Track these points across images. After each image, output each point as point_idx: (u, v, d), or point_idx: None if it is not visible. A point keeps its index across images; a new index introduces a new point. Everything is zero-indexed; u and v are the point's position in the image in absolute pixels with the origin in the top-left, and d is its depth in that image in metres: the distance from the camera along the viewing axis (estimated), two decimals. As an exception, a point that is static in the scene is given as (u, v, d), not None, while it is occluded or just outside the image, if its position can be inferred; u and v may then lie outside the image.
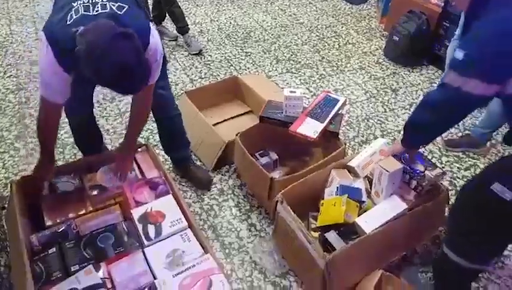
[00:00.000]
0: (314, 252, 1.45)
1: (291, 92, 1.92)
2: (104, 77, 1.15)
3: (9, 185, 1.65)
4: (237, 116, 2.44)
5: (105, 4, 1.30)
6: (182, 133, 1.98)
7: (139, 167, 1.72)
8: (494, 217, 1.22)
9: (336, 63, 3.12)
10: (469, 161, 2.27)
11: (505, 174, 1.18)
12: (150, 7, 2.99)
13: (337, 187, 1.68)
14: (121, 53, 1.12)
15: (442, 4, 2.90)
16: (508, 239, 1.36)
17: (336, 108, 1.97)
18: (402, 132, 1.48)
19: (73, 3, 1.30)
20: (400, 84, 2.90)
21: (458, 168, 2.23)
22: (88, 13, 1.27)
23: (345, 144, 1.93)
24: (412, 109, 2.65)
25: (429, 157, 2.28)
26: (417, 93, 2.79)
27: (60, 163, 2.09)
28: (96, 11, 1.28)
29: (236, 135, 1.93)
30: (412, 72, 3.02)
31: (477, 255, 1.33)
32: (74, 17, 1.26)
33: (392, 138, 2.43)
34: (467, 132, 2.44)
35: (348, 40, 3.43)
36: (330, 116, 1.92)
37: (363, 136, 2.44)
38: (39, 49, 1.36)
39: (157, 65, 1.43)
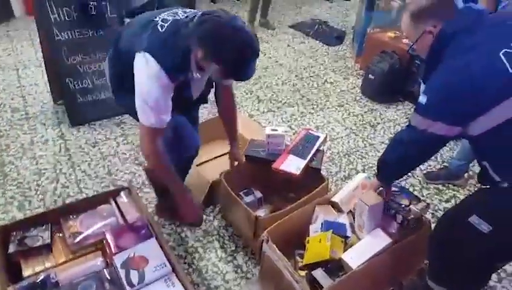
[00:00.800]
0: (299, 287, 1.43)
1: (272, 130, 1.96)
2: (242, 54, 1.22)
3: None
4: (221, 155, 2.45)
5: (185, 11, 1.41)
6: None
7: (120, 211, 1.70)
8: (472, 250, 1.24)
9: (316, 101, 3.22)
10: (449, 192, 2.32)
11: (482, 207, 1.22)
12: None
13: (322, 223, 1.69)
14: (245, 32, 1.22)
15: (412, 44, 3.07)
16: (489, 269, 1.38)
17: (317, 144, 2.02)
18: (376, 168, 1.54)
19: (154, 19, 1.38)
20: (377, 120, 2.99)
21: (439, 200, 2.27)
22: (177, 17, 1.36)
23: (328, 180, 1.96)
24: (391, 143, 2.73)
25: (410, 190, 2.32)
26: (395, 128, 2.88)
27: (40, 210, 2.04)
28: (184, 16, 1.37)
29: (220, 174, 1.94)
30: (389, 108, 3.14)
31: (460, 286, 1.34)
32: (165, 25, 1.33)
33: (374, 172, 2.47)
34: (445, 164, 2.51)
35: (326, 80, 3.56)
36: (312, 152, 1.96)
37: (345, 171, 2.48)
38: (139, 74, 1.35)
39: None
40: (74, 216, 1.69)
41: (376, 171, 1.54)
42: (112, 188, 2.19)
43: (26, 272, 1.48)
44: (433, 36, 1.20)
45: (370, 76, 3.17)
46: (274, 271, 1.56)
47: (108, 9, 2.66)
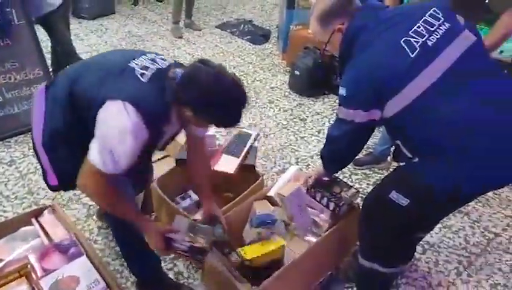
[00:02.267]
0: (242, 286, 1.44)
1: (203, 131, 1.94)
2: (233, 108, 1.20)
3: None
4: (153, 162, 2.37)
5: (162, 57, 1.32)
6: None
7: (44, 231, 1.57)
8: (394, 222, 1.35)
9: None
10: (375, 176, 2.49)
11: (399, 183, 1.33)
12: (48, 62, 2.86)
13: (251, 219, 1.70)
14: (235, 86, 1.19)
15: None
16: (412, 241, 1.50)
17: (250, 142, 2.05)
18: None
19: (129, 65, 1.24)
20: (306, 114, 3.11)
21: (367, 184, 2.42)
22: (158, 66, 1.26)
23: (262, 175, 1.99)
24: (320, 135, 2.85)
25: (341, 177, 2.45)
26: (323, 120, 3.02)
27: None
28: (164, 64, 1.28)
29: (153, 181, 1.88)
30: (316, 101, 3.28)
31: (389, 259, 1.45)
32: (147, 74, 1.23)
33: (306, 163, 2.57)
34: (370, 150, 2.68)
35: (255, 78, 3.62)
36: (245, 150, 1.99)
37: (279, 166, 2.54)
38: (111, 123, 1.18)
39: None
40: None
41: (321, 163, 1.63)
42: (34, 207, 2.02)
43: None
44: (341, 34, 1.30)
45: (296, 72, 3.28)
46: (215, 272, 1.55)
47: (15, 16, 2.45)
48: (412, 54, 1.16)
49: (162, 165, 2.31)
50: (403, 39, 1.18)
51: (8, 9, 2.38)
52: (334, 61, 3.22)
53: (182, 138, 2.24)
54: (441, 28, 1.20)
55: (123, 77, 1.23)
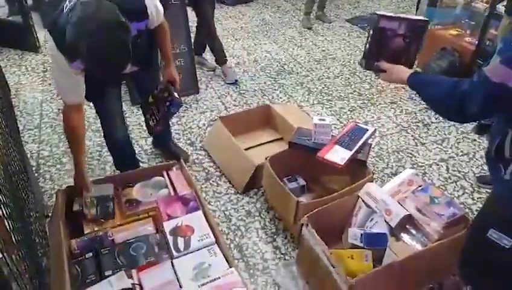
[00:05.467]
0: (338, 276, 1.46)
1: (320, 119, 1.99)
2: (80, 52, 1.19)
3: (54, 195, 1.78)
4: (268, 142, 2.52)
5: None
6: None
7: (172, 184, 1.82)
8: (495, 266, 1.12)
9: (367, 97, 3.18)
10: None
11: (497, 216, 1.09)
12: (192, 39, 3.22)
13: (361, 235, 1.62)
14: (105, 41, 1.17)
15: (476, 42, 2.93)
16: None
17: (365, 137, 2.01)
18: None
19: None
20: (432, 119, 2.90)
21: (491, 205, 2.17)
22: None
23: (373, 173, 1.95)
24: (444, 144, 2.64)
25: (461, 192, 2.25)
26: (449, 129, 2.78)
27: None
28: None
29: (266, 158, 2.01)
30: (445, 107, 3.02)
31: None
32: (69, 5, 1.30)
33: (423, 171, 2.41)
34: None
35: (380, 75, 3.49)
36: (358, 144, 1.96)
37: (392, 168, 2.44)
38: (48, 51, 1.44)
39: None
40: (131, 185, 1.84)
41: (414, 73, 1.30)
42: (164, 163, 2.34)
43: (87, 229, 1.64)
44: None
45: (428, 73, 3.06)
46: (311, 255, 1.60)
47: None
48: None
49: (274, 147, 2.45)
50: None
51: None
52: (475, 65, 2.91)
53: (296, 123, 2.34)
54: None
55: (58, 6, 1.34)
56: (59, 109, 2.94)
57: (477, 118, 1.14)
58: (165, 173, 1.88)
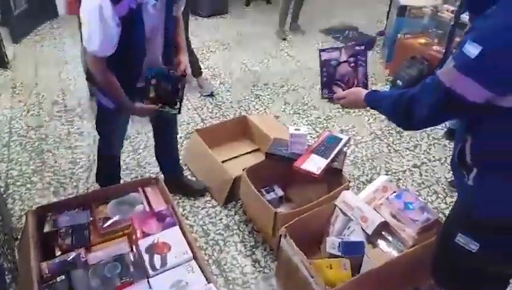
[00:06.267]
0: (317, 286, 1.46)
1: (296, 129, 2.00)
2: None
3: (24, 217, 1.72)
4: (245, 154, 2.52)
5: None
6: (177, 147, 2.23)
7: (147, 200, 1.79)
8: (465, 270, 1.14)
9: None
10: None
11: (466, 224, 1.09)
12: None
13: (339, 243, 1.63)
14: None
15: (443, 50, 3.03)
16: (500, 283, 1.25)
17: (340, 146, 2.03)
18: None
19: None
20: (404, 126, 2.97)
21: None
22: None
23: (349, 181, 1.98)
24: (416, 151, 2.70)
25: (434, 197, 2.30)
26: (421, 135, 2.85)
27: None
28: None
29: (243, 170, 2.00)
30: (417, 114, 3.10)
31: None
32: None
33: (397, 177, 2.46)
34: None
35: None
36: (334, 153, 1.98)
37: (367, 176, 2.48)
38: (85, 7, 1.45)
39: None
40: (105, 202, 1.80)
41: (371, 92, 1.33)
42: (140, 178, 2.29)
43: (58, 251, 1.58)
44: None
45: (398, 82, 3.15)
46: (290, 266, 1.60)
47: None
48: None
49: (252, 158, 2.45)
50: None
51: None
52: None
53: (273, 133, 2.35)
54: None
55: None
56: (29, 126, 2.86)
57: (427, 122, 1.09)
58: (140, 189, 1.84)
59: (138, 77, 1.72)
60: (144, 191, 1.82)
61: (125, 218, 1.71)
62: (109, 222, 1.70)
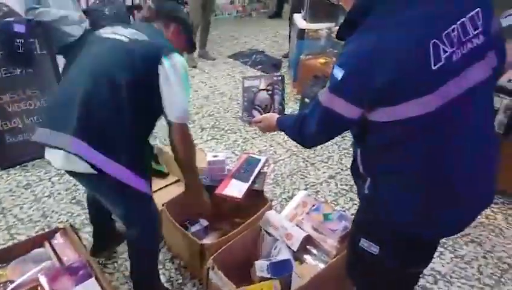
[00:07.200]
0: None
1: (214, 156, 1.99)
2: None
3: None
4: (164, 187, 2.41)
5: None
6: None
7: (56, 254, 1.60)
8: (373, 272, 1.19)
9: (257, 127, 3.31)
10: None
11: (366, 229, 1.16)
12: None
13: (267, 265, 1.61)
14: None
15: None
16: (408, 281, 1.32)
17: (259, 167, 2.07)
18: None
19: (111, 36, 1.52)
20: (316, 140, 3.14)
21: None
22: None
23: (271, 201, 2.00)
24: (329, 162, 2.86)
25: (351, 205, 2.44)
26: (332, 147, 3.04)
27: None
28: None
29: (163, 205, 1.91)
30: (326, 128, 3.30)
31: None
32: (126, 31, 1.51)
33: (315, 190, 2.57)
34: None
35: (266, 105, 3.68)
36: (254, 175, 2.00)
37: (288, 192, 2.55)
38: (179, 73, 1.45)
39: None
40: (4, 264, 1.57)
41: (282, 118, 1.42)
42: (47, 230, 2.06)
43: None
44: None
45: (306, 100, 3.33)
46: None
47: (38, 46, 2.59)
48: (434, 66, 0.89)
49: (172, 189, 2.35)
50: (432, 41, 0.88)
51: (31, 40, 2.53)
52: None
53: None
54: (473, 41, 0.92)
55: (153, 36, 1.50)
56: None
57: (317, 139, 1.18)
58: (46, 243, 1.65)
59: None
60: (50, 245, 1.64)
61: (32, 278, 1.51)
62: (12, 286, 1.49)
